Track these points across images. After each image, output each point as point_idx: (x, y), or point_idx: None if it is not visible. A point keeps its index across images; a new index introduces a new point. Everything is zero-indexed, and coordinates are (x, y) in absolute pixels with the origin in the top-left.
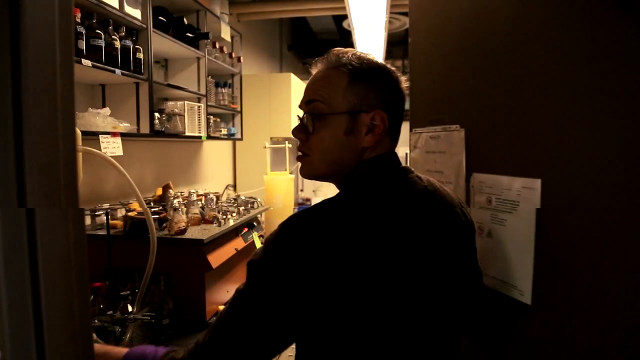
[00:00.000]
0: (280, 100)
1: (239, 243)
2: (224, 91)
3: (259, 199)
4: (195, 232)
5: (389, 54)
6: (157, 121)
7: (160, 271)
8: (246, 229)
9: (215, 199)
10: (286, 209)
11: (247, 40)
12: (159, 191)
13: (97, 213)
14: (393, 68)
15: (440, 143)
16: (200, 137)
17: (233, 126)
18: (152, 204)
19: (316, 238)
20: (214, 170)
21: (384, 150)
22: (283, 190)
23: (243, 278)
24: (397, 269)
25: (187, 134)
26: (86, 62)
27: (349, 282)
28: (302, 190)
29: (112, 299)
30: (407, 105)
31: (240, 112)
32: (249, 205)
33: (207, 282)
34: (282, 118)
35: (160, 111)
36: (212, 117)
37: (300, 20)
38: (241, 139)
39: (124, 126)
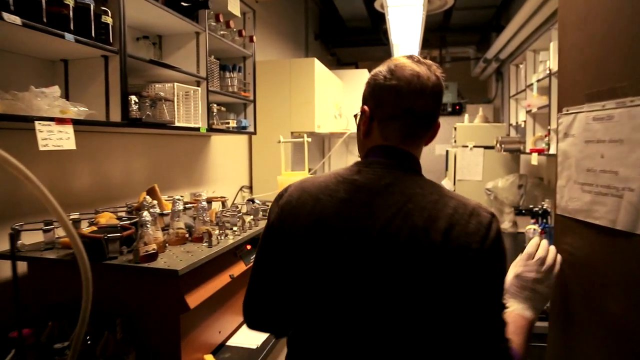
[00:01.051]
0: (303, 89)
1: (237, 267)
2: (233, 76)
3: None
4: (171, 257)
5: (425, 43)
6: (134, 106)
7: (119, 311)
8: (249, 247)
9: (217, 206)
10: None
11: (268, 26)
12: (143, 196)
13: (47, 227)
14: (390, 67)
15: (611, 127)
16: (197, 129)
17: (245, 118)
18: (132, 213)
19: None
20: (226, 170)
21: (374, 143)
22: None
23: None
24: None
25: (178, 124)
26: (11, 18)
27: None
28: None
29: (43, 352)
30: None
31: (254, 101)
32: (260, 213)
33: (185, 326)
34: (304, 110)
35: (139, 95)
36: (215, 105)
37: (328, 5)
38: (254, 133)
39: (79, 111)
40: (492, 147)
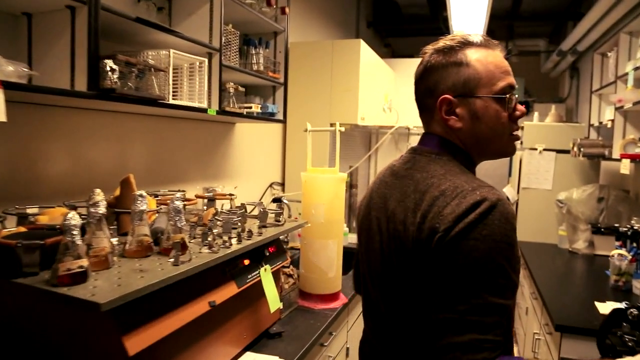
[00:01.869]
0: (346, 74)
1: (224, 290)
2: (259, 52)
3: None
4: (111, 279)
5: (490, 34)
6: (111, 75)
7: (36, 354)
8: (247, 262)
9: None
10: (332, 226)
11: (311, 6)
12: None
13: None
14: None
15: None
16: (203, 110)
17: (274, 103)
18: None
19: None
20: (253, 163)
21: None
22: (328, 197)
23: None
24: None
25: (174, 102)
26: None
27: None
28: None
29: None
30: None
31: (285, 84)
32: (271, 218)
33: None
34: (347, 99)
35: (123, 62)
36: (232, 84)
37: None
38: (283, 121)
39: (17, 71)
40: (566, 152)
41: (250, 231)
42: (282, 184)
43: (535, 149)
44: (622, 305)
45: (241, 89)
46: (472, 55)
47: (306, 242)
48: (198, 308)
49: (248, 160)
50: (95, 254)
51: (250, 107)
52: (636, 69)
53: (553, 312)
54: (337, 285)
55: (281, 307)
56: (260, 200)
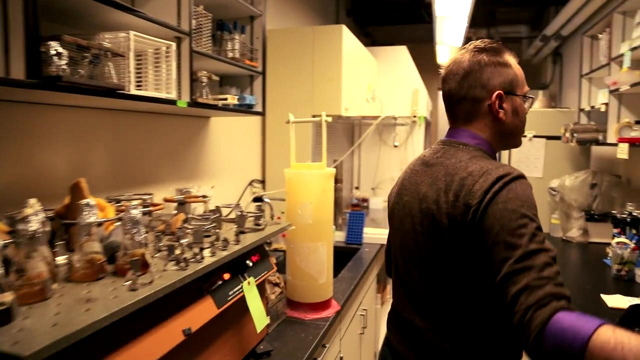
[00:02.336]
0: (328, 63)
1: (202, 312)
2: (235, 38)
3: (269, 203)
4: (46, 315)
5: (471, 22)
6: (57, 60)
7: None
8: (227, 276)
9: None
10: (321, 226)
11: None
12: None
13: None
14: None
15: None
16: (172, 102)
17: (251, 94)
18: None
19: None
20: (232, 160)
21: None
22: (315, 195)
23: None
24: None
25: (136, 92)
26: None
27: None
28: (357, 188)
29: None
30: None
31: (263, 73)
32: (250, 221)
33: None
34: (330, 89)
35: (63, 41)
36: (205, 73)
37: None
38: (262, 114)
39: None
40: (556, 138)
41: (225, 240)
42: (263, 182)
43: (525, 136)
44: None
45: (215, 78)
46: (511, 60)
47: (292, 246)
48: (169, 338)
49: (225, 158)
50: (28, 282)
51: (226, 99)
52: (633, 49)
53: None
54: (329, 292)
55: (268, 322)
56: (239, 200)
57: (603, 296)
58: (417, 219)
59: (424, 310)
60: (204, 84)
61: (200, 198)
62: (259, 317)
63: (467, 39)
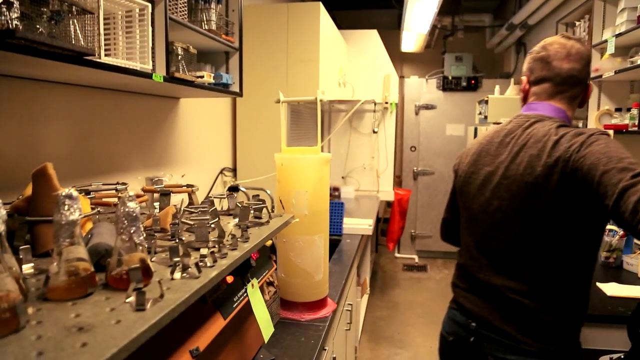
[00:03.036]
0: (305, 43)
1: (208, 327)
2: (211, 7)
3: (269, 194)
4: (26, 356)
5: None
6: (3, 10)
7: None
8: (230, 279)
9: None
10: (318, 217)
11: None
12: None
13: None
14: (542, 44)
15: None
16: (147, 74)
17: (227, 72)
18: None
19: None
20: (201, 146)
21: (528, 102)
22: (311, 182)
23: None
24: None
25: (110, 61)
26: None
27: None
28: None
29: None
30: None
31: (240, 50)
32: (254, 213)
33: None
34: (306, 70)
35: None
36: (182, 44)
37: None
38: (240, 94)
39: None
40: None
41: (234, 236)
42: (234, 170)
43: (500, 123)
44: None
45: (193, 50)
46: None
47: (285, 240)
48: None
49: (195, 143)
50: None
51: (202, 76)
52: (617, 35)
53: None
54: (325, 290)
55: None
56: (210, 190)
57: (600, 285)
58: (504, 187)
59: (508, 271)
60: (180, 56)
61: (184, 187)
62: (266, 324)
63: (433, 27)
